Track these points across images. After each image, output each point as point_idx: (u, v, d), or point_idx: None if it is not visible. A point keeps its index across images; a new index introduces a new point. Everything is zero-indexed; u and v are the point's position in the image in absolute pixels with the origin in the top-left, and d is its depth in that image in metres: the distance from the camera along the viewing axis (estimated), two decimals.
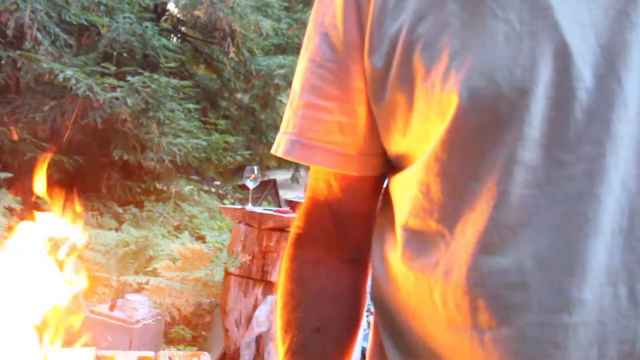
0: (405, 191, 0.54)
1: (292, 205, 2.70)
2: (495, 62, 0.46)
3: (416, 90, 0.50)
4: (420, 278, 0.52)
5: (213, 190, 6.05)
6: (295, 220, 0.65)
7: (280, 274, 0.65)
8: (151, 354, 1.90)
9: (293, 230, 0.65)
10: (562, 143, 0.46)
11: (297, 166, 7.23)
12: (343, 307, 0.63)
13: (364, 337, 3.15)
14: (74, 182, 4.61)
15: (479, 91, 0.46)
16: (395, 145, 0.55)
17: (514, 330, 0.46)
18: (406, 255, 0.54)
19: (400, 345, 0.57)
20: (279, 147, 0.60)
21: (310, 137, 0.57)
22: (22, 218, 3.51)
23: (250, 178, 2.71)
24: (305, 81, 0.58)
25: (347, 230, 0.63)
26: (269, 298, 2.49)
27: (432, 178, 0.50)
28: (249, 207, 2.63)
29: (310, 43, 0.59)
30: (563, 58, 0.45)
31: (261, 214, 2.53)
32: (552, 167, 0.46)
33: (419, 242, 0.52)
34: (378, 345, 0.62)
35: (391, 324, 0.58)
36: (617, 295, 0.45)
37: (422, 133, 0.51)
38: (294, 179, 7.40)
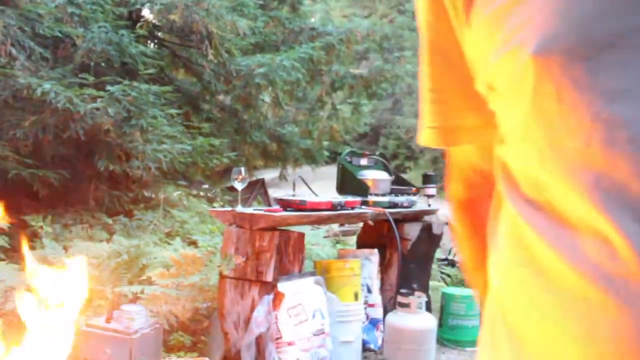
0: (515, 159, 0.53)
1: (283, 203, 2.70)
2: (576, 16, 0.45)
3: None
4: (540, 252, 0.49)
5: (202, 194, 6.03)
6: (451, 188, 0.74)
7: (457, 236, 0.75)
8: None
9: (452, 196, 0.74)
10: None
11: (284, 164, 7.23)
12: None
13: (363, 330, 3.17)
14: (61, 196, 4.58)
15: (553, 50, 0.46)
16: None
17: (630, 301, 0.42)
18: (526, 233, 0.51)
19: None
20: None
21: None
22: (9, 237, 3.47)
23: (238, 179, 2.70)
24: None
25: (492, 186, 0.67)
26: (266, 298, 2.49)
27: (529, 146, 0.51)
28: (239, 208, 2.62)
29: None
30: None
31: (252, 214, 2.53)
32: None
33: (539, 215, 0.49)
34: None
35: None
36: None
37: (507, 100, 0.52)
38: (282, 177, 7.39)
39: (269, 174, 8.18)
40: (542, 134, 0.47)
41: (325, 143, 7.39)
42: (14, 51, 4.13)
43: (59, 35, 4.52)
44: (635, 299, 0.41)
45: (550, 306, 0.46)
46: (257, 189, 6.74)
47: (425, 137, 0.65)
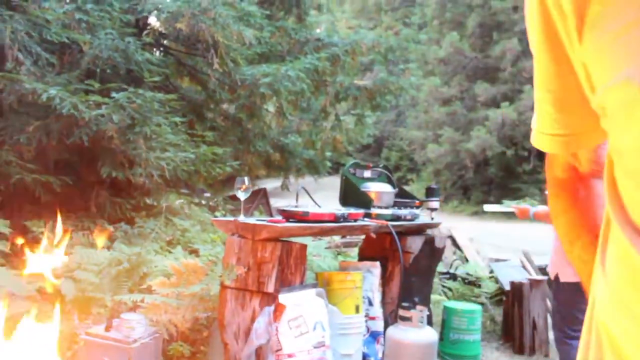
0: (624, 181, 0.57)
1: (285, 214, 2.68)
2: None
3: None
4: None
5: (203, 202, 6.02)
6: (551, 171, 0.83)
7: (553, 211, 0.85)
8: None
9: (552, 177, 0.83)
10: None
11: (286, 174, 7.23)
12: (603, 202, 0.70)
13: (363, 343, 3.15)
14: (63, 202, 4.57)
15: None
16: None
17: None
18: (630, 252, 0.54)
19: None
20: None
21: None
22: (12, 242, 3.46)
23: (242, 189, 2.69)
24: None
25: (587, 164, 0.78)
26: (267, 309, 2.47)
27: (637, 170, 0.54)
28: (242, 218, 2.61)
29: None
30: None
31: (254, 224, 2.52)
32: None
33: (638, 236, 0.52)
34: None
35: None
36: None
37: (618, 123, 0.56)
38: (284, 187, 7.39)
39: (271, 184, 8.18)
40: None
41: (328, 154, 7.39)
42: (20, 56, 4.15)
43: (66, 41, 4.54)
44: None
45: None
46: (259, 198, 6.74)
47: (541, 142, 0.73)
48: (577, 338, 2.77)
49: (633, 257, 0.53)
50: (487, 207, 3.64)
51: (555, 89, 0.67)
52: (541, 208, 3.15)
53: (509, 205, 3.38)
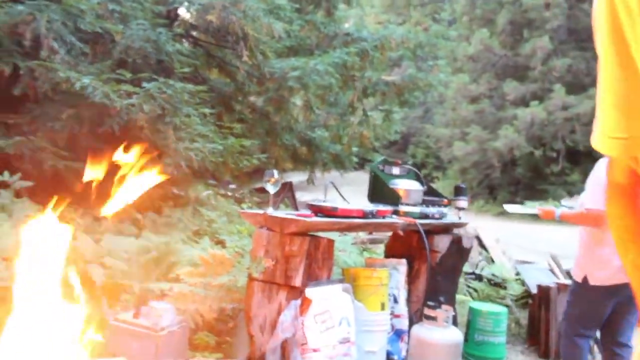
0: None
1: (314, 209, 2.68)
2: None
3: None
4: None
5: (230, 194, 6.06)
6: (612, 175, 0.84)
7: (611, 217, 0.85)
8: None
9: (612, 181, 0.84)
10: None
11: (312, 168, 7.22)
12: None
13: (387, 340, 3.13)
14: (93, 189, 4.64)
15: None
16: None
17: None
18: None
19: None
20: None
21: None
22: None
23: (271, 182, 2.69)
24: None
25: None
26: (293, 303, 2.48)
27: None
28: (270, 211, 2.61)
29: None
30: None
31: (283, 218, 2.52)
32: None
33: None
34: None
35: None
36: None
37: None
38: (310, 181, 7.38)
39: (296, 177, 8.18)
40: None
41: (355, 149, 7.36)
42: (55, 45, 4.21)
43: (99, 31, 4.59)
44: None
45: None
46: (285, 191, 6.75)
47: (605, 145, 0.74)
48: (587, 337, 2.73)
49: None
50: (508, 207, 3.59)
51: (619, 92, 0.68)
52: (567, 210, 3.11)
53: (533, 206, 3.33)
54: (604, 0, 0.66)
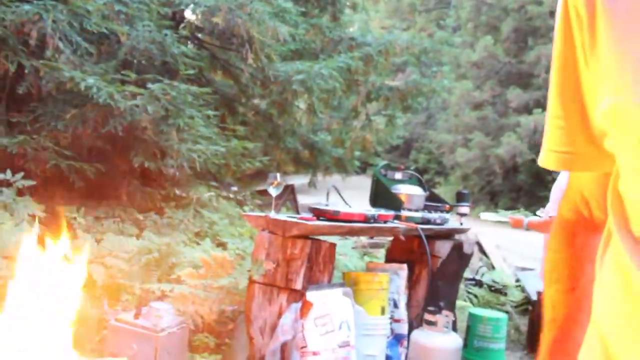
0: (626, 196, 0.59)
1: (316, 212, 2.68)
2: None
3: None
4: (632, 287, 0.55)
5: (231, 196, 6.06)
6: (561, 205, 0.82)
7: (548, 247, 0.84)
8: None
9: (559, 212, 0.83)
10: None
11: (314, 171, 7.23)
12: (593, 269, 0.71)
13: (387, 344, 3.13)
14: (95, 189, 4.66)
15: None
16: None
17: None
18: (627, 263, 0.57)
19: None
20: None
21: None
22: (46, 225, 3.53)
23: (274, 185, 2.70)
24: None
25: (596, 211, 0.76)
26: (294, 306, 2.48)
27: (633, 186, 0.56)
28: (273, 214, 2.62)
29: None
30: None
31: (285, 221, 2.52)
32: None
33: (636, 248, 0.55)
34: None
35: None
36: None
37: (618, 142, 0.58)
38: (312, 184, 7.39)
39: (298, 180, 8.19)
40: None
41: (357, 153, 7.37)
42: (61, 45, 4.22)
43: (105, 31, 4.61)
44: None
45: (633, 322, 0.53)
46: (287, 194, 6.75)
47: (546, 159, 0.72)
48: None
49: (629, 267, 0.55)
50: (484, 216, 3.63)
51: (567, 105, 0.67)
52: (535, 218, 3.18)
53: (505, 215, 3.40)
54: (560, 7, 0.65)
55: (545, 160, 0.72)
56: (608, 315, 0.59)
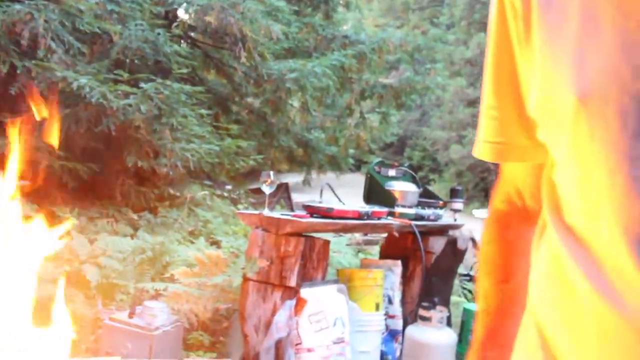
0: (558, 187, 0.59)
1: (310, 209, 2.69)
2: (608, 68, 0.50)
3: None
4: (564, 272, 0.56)
5: (225, 194, 6.06)
6: (494, 197, 0.81)
7: (481, 239, 0.83)
8: None
9: (492, 205, 0.82)
10: None
11: (308, 169, 7.24)
12: (527, 262, 0.72)
13: (382, 340, 3.14)
14: (89, 189, 4.65)
15: (591, 95, 0.51)
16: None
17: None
18: (556, 245, 0.58)
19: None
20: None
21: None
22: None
23: (267, 183, 2.71)
24: None
25: (529, 203, 0.75)
26: (288, 303, 2.48)
27: (565, 175, 0.56)
28: (266, 212, 2.62)
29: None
30: None
31: (279, 218, 2.53)
32: None
33: (569, 237, 0.56)
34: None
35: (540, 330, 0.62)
36: None
37: (551, 133, 0.58)
38: (306, 182, 7.40)
39: (292, 179, 8.19)
40: (577, 167, 0.54)
41: (351, 151, 7.38)
42: (53, 45, 4.21)
43: (97, 31, 4.60)
44: None
45: (576, 321, 0.54)
46: (281, 192, 6.76)
47: (480, 150, 0.72)
48: None
49: (563, 257, 0.56)
50: (477, 213, 3.64)
51: (501, 95, 0.67)
52: None
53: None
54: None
55: (479, 151, 0.72)
56: (543, 302, 0.60)
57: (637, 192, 0.48)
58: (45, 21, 4.12)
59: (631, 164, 0.48)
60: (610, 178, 0.50)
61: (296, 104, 6.61)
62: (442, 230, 3.51)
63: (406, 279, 3.40)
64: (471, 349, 0.83)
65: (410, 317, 3.30)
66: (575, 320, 0.54)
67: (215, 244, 3.89)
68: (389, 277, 3.15)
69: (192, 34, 6.31)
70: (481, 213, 3.59)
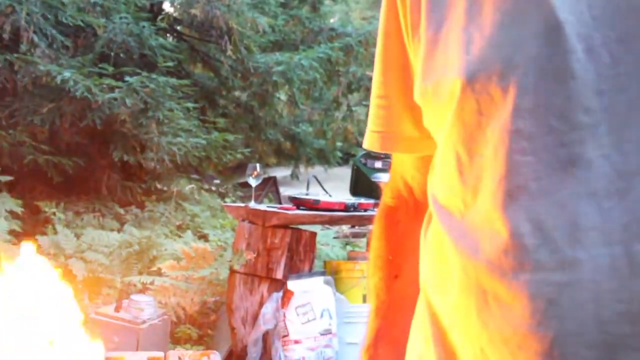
0: (434, 169, 0.62)
1: (296, 202, 2.69)
2: (491, 45, 0.51)
3: (431, 82, 0.57)
4: (442, 247, 0.58)
5: (213, 188, 6.04)
6: (384, 192, 0.80)
7: (372, 234, 0.81)
8: (160, 354, 1.89)
9: (382, 199, 0.80)
10: (555, 112, 0.49)
11: (296, 163, 7.23)
12: (417, 257, 0.72)
13: None
14: (75, 184, 4.61)
15: (476, 73, 0.52)
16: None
17: (513, 289, 0.50)
18: (438, 228, 0.60)
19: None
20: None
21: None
22: (23, 221, 3.50)
23: (253, 175, 2.71)
24: None
25: (418, 197, 0.75)
26: (275, 295, 2.49)
27: (449, 156, 0.56)
28: (253, 204, 2.62)
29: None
30: (554, 33, 0.49)
31: (265, 211, 2.53)
32: (545, 135, 0.49)
33: (446, 215, 0.58)
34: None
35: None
36: (612, 255, 0.47)
37: (437, 117, 0.59)
38: (294, 176, 7.39)
39: (280, 172, 8.18)
40: (461, 143, 0.54)
41: (339, 144, 7.38)
42: (35, 38, 4.17)
43: (81, 24, 4.55)
44: (521, 287, 0.49)
45: (458, 292, 0.55)
46: (269, 186, 6.75)
47: (369, 141, 0.71)
48: None
49: (441, 234, 0.58)
50: None
51: (390, 85, 0.67)
52: None
53: None
54: None
55: (368, 141, 0.71)
56: (432, 283, 0.62)
57: (516, 165, 0.49)
58: (28, 14, 4.07)
59: (511, 138, 0.49)
60: (494, 152, 0.51)
61: (283, 97, 6.59)
62: None
63: None
64: (363, 346, 0.81)
65: None
66: (446, 280, 0.57)
67: (203, 237, 3.88)
68: None
69: (178, 27, 6.26)
70: None
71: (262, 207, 2.62)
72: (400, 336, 0.74)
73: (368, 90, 7.04)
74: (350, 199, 2.92)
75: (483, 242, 0.51)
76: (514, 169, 0.50)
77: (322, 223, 2.83)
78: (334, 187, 3.70)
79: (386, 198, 0.79)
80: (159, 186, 5.14)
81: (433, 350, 0.60)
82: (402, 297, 0.77)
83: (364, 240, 4.63)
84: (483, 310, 0.51)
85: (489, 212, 0.51)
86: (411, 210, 0.76)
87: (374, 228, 0.81)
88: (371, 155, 3.50)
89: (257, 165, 2.75)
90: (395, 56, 0.64)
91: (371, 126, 0.70)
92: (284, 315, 2.47)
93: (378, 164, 3.48)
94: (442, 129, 0.57)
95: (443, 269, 0.58)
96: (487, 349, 0.51)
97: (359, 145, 9.04)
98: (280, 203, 6.28)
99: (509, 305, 0.49)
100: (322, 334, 2.54)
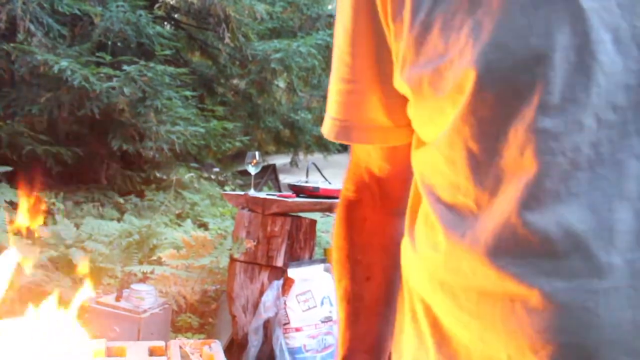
0: (433, 165, 0.55)
1: (296, 189, 2.69)
2: (510, 32, 0.46)
3: (434, 69, 0.51)
4: (452, 250, 0.53)
5: (213, 177, 6.04)
6: (344, 185, 0.72)
7: (334, 233, 0.73)
8: (162, 343, 1.90)
9: (342, 194, 0.72)
10: (584, 108, 0.45)
11: (296, 150, 7.22)
12: (389, 256, 0.68)
13: None
14: (74, 173, 4.61)
15: (494, 63, 0.47)
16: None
17: (545, 297, 0.46)
18: (438, 228, 0.55)
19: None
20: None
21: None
22: (23, 212, 3.49)
23: (252, 163, 2.69)
24: None
25: (387, 190, 0.69)
26: (275, 283, 2.49)
27: (457, 154, 0.51)
28: (252, 192, 2.61)
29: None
30: (581, 22, 0.45)
31: (264, 199, 2.52)
32: (574, 134, 0.45)
33: (450, 215, 0.53)
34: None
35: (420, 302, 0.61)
36: None
37: (433, 109, 0.53)
38: (293, 163, 7.39)
39: (280, 160, 8.18)
40: (475, 141, 0.49)
41: None
42: (32, 27, 4.14)
43: (78, 13, 4.52)
44: (554, 295, 0.46)
45: (477, 299, 0.51)
46: (268, 174, 6.75)
47: (331, 130, 0.63)
48: None
49: (437, 227, 0.55)
50: None
51: (362, 69, 0.60)
52: None
53: None
54: None
55: (331, 130, 0.63)
56: (426, 280, 0.58)
57: (545, 168, 0.46)
58: (24, 3, 4.04)
59: (538, 138, 0.46)
60: (518, 153, 0.47)
61: (282, 84, 6.57)
62: None
63: None
64: (337, 353, 0.73)
65: None
66: (456, 285, 0.54)
67: (203, 226, 3.88)
68: None
69: (175, 15, 6.23)
70: None
71: (262, 195, 2.62)
72: (377, 344, 0.70)
73: None
74: None
75: (506, 248, 0.48)
76: (542, 172, 0.46)
77: (322, 210, 2.82)
78: (334, 174, 3.68)
79: (347, 192, 0.72)
80: (158, 175, 5.14)
81: (434, 357, 0.57)
82: (375, 300, 0.71)
83: None
84: (509, 318, 0.48)
85: (511, 216, 0.47)
86: (378, 203, 0.70)
87: (336, 226, 0.73)
88: None
89: (257, 153, 2.74)
90: (366, 36, 0.58)
91: (334, 113, 0.62)
92: (285, 303, 2.47)
93: None
94: (441, 122, 0.52)
95: (451, 274, 0.54)
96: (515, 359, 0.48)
97: None
98: (279, 191, 6.29)
99: (540, 314, 0.46)
100: (322, 322, 2.54)
